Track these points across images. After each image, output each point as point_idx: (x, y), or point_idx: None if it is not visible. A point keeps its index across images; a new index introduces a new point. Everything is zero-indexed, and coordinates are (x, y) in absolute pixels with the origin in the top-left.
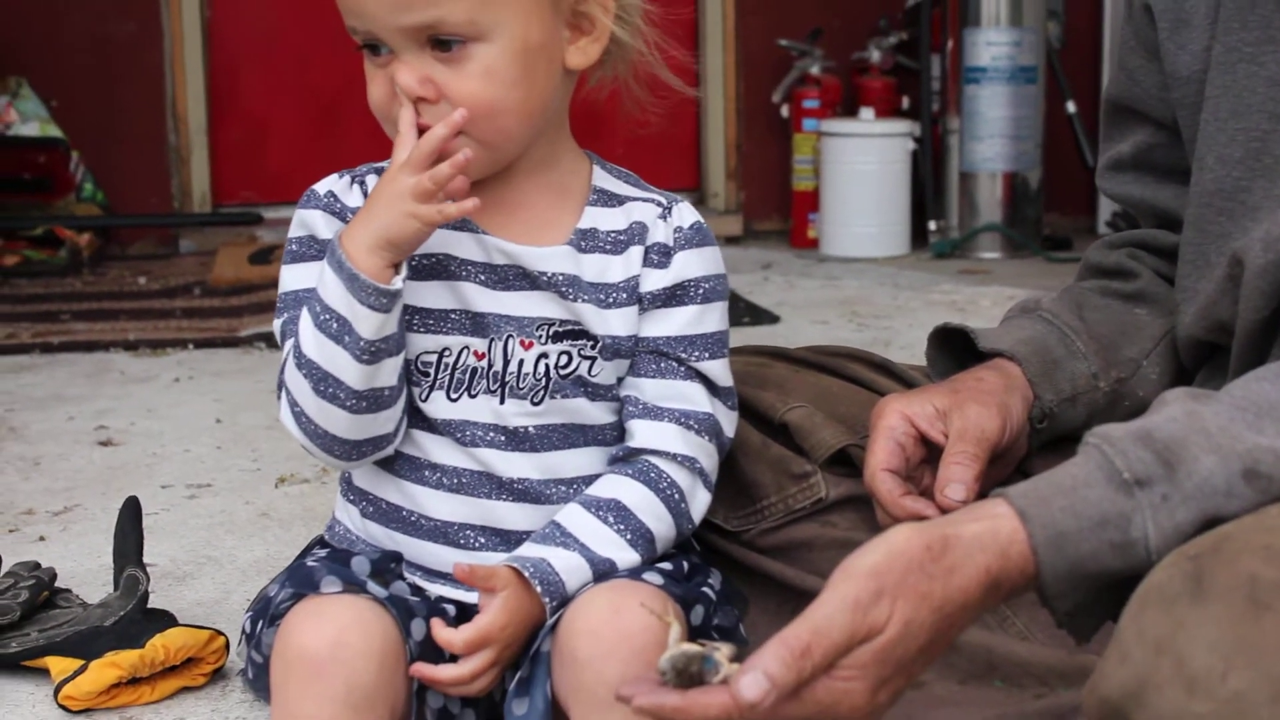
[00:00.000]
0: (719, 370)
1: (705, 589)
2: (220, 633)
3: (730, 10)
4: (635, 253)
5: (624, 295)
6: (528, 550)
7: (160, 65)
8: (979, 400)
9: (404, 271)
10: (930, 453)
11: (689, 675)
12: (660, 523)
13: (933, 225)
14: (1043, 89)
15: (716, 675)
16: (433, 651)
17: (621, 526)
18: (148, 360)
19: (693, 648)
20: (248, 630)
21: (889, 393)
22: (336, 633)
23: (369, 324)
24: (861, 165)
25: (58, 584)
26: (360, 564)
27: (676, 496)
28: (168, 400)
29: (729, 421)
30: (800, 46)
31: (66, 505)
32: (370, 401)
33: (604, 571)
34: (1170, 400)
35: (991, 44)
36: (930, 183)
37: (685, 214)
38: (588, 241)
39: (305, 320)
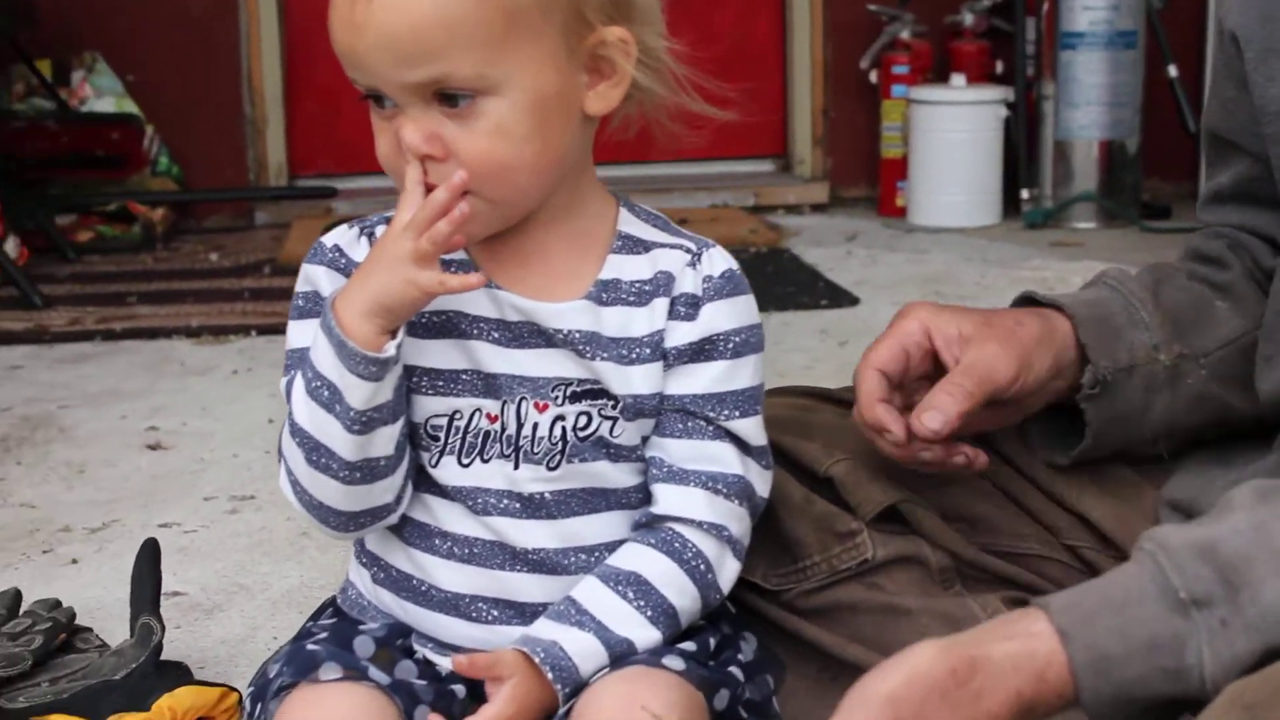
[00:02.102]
0: (751, 429)
1: (733, 668)
2: (232, 689)
3: None
4: (660, 305)
5: (647, 351)
6: (541, 630)
7: (236, 37)
8: (1004, 341)
9: (399, 337)
10: (936, 371)
11: None
12: (684, 596)
13: (1025, 194)
14: (1143, 53)
15: None
16: None
17: (642, 603)
18: (209, 349)
19: None
20: (248, 709)
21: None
22: None
23: (359, 393)
24: (952, 133)
25: (81, 617)
26: (364, 645)
27: (703, 568)
28: (224, 396)
29: (763, 482)
30: (890, 11)
31: (105, 521)
32: (364, 472)
33: (621, 653)
34: (1237, 506)
35: (1089, 8)
36: (1023, 150)
37: (716, 261)
38: (609, 293)
39: (299, 386)
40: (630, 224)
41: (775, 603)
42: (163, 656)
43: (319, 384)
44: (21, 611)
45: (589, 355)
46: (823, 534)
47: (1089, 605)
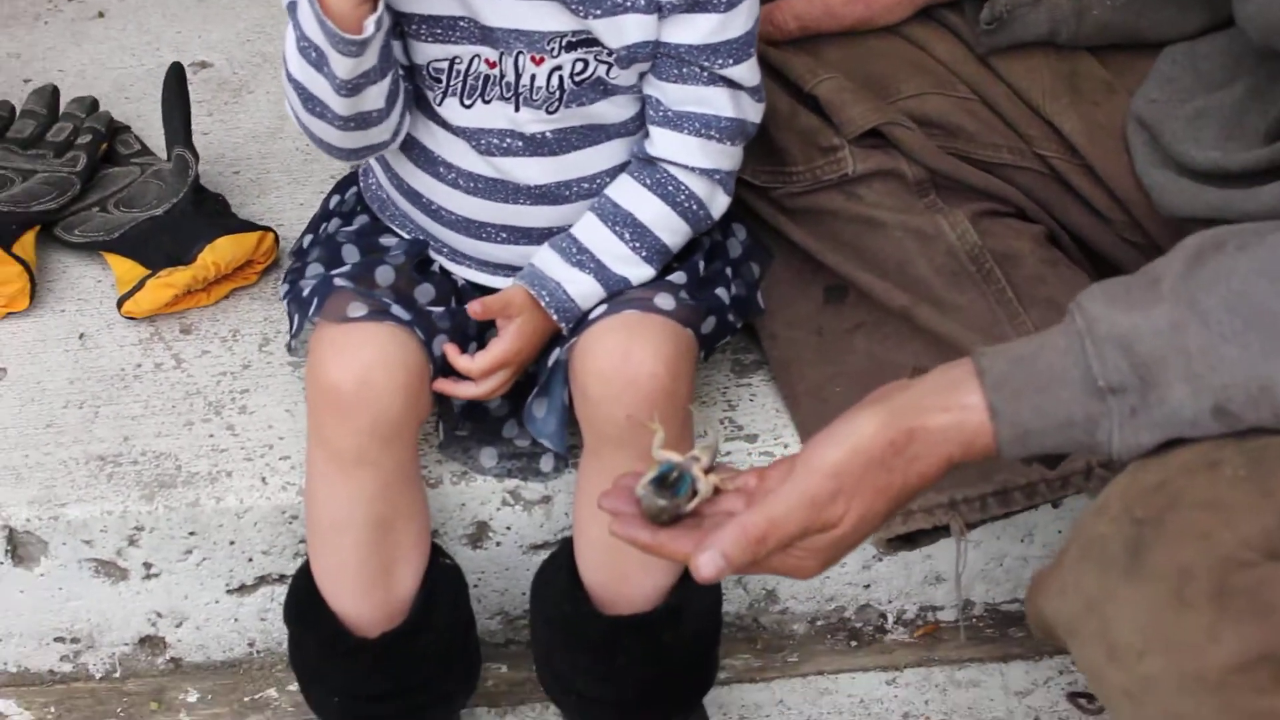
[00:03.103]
0: (745, 72)
1: (719, 289)
2: (269, 229)
3: None
4: None
5: (641, 1)
6: (545, 265)
7: None
8: None
9: (379, 9)
10: None
11: (662, 512)
12: (676, 235)
13: None
14: None
15: (690, 502)
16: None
17: (637, 244)
18: None
19: (673, 458)
20: (288, 311)
21: (931, 49)
22: (362, 371)
23: (343, 65)
24: None
25: (114, 95)
26: (385, 274)
27: (694, 206)
28: None
29: (756, 113)
30: None
31: None
32: (358, 122)
33: (618, 289)
34: (1165, 292)
35: None
36: None
37: None
38: None
39: (289, 36)
40: None
41: (764, 199)
42: (200, 162)
43: (306, 44)
44: (61, 112)
45: (582, 14)
46: (807, 147)
47: (1018, 381)
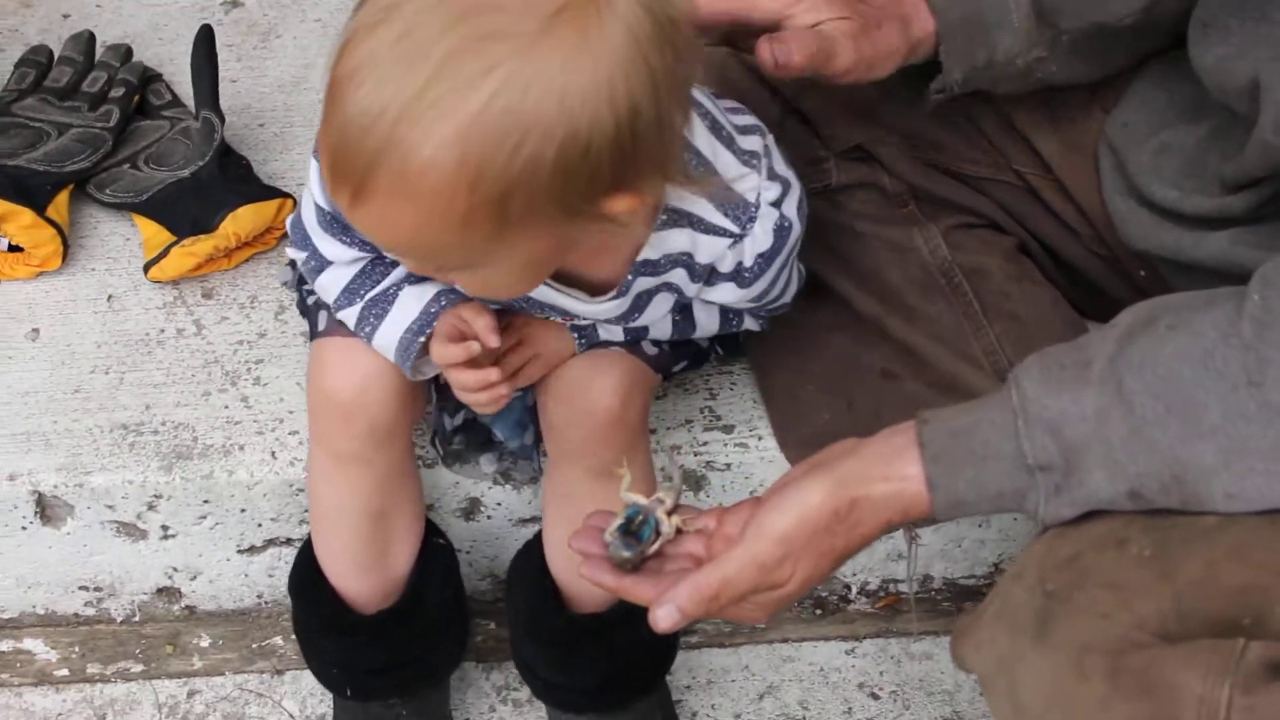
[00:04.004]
0: (794, 289)
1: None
2: (288, 196)
3: None
4: (695, 286)
5: (672, 297)
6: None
7: None
8: (858, 34)
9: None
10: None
11: (626, 562)
12: (711, 321)
13: None
14: None
15: (653, 544)
16: None
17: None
18: None
19: (640, 501)
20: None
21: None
22: (360, 380)
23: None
24: None
25: (146, 38)
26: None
27: (735, 322)
28: None
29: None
30: None
31: None
32: None
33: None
34: (1094, 375)
35: None
36: None
37: (759, 240)
38: (645, 269)
39: (351, 308)
40: (678, 193)
41: None
42: (227, 115)
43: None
44: (96, 59)
45: (623, 323)
46: (794, 157)
47: (957, 455)
